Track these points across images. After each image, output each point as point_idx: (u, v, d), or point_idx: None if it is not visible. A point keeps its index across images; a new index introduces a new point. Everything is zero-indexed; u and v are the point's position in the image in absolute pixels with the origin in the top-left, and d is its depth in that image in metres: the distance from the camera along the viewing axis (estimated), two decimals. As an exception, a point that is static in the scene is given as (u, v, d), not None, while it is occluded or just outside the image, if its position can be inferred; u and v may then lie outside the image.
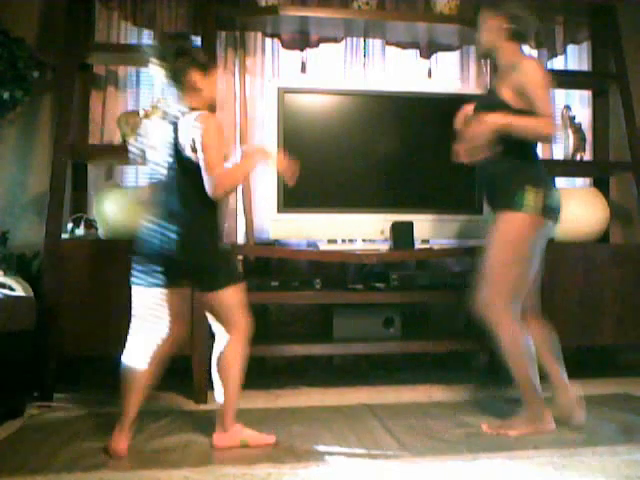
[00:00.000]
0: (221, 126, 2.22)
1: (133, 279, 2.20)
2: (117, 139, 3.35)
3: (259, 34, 3.59)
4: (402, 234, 3.25)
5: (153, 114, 3.00)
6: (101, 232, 3.14)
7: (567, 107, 3.66)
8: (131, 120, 3.20)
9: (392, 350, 3.31)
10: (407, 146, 3.39)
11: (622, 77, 3.57)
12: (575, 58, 3.95)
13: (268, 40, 3.63)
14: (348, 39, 3.68)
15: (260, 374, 3.38)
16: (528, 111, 2.38)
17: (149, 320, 2.19)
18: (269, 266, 3.55)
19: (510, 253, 2.40)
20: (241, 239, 3.53)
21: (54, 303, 2.90)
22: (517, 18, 2.48)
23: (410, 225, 3.27)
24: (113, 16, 3.49)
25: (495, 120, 2.39)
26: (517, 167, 2.46)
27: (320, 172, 3.24)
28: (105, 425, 2.39)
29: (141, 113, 3.23)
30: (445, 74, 3.80)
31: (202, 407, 2.85)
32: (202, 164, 2.11)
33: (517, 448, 2.25)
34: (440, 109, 3.21)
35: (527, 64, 2.42)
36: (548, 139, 2.50)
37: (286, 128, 3.22)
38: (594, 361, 3.69)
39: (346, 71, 3.69)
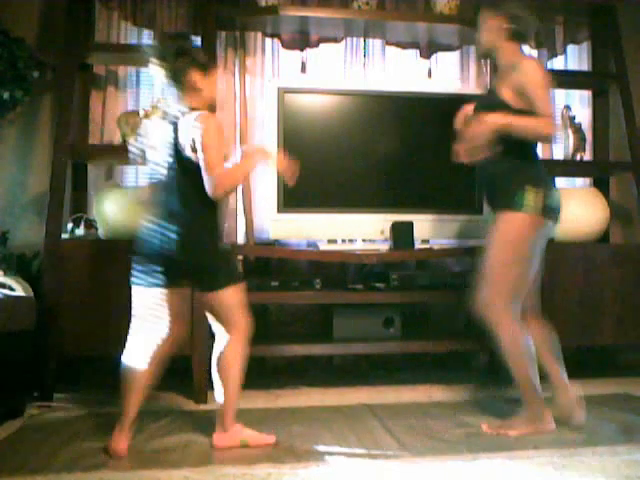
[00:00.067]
0: (221, 126, 2.22)
1: (133, 279, 2.20)
2: (117, 139, 3.35)
3: (259, 34, 3.59)
4: (402, 234, 3.25)
5: (153, 114, 3.00)
6: (101, 232, 3.14)
7: (567, 107, 3.66)
8: (131, 120, 3.20)
9: (392, 350, 3.31)
10: (407, 146, 3.39)
11: (622, 77, 3.57)
12: (575, 58, 3.95)
13: (268, 40, 3.63)
14: (348, 39, 3.68)
15: (260, 374, 3.38)
16: (528, 111, 2.38)
17: (149, 320, 2.19)
18: (269, 266, 3.55)
19: (510, 253, 2.40)
20: (241, 239, 3.53)
21: (54, 303, 2.90)
22: (517, 18, 2.48)
23: (410, 225, 3.27)
24: (113, 16, 3.49)
25: (495, 120, 2.39)
26: (517, 167, 2.46)
27: (320, 172, 3.24)
28: (105, 425, 2.39)
29: (141, 113, 3.23)
30: (445, 74, 3.80)
31: (202, 407, 2.85)
32: (202, 164, 2.11)
33: (517, 448, 2.25)
34: (440, 109, 3.21)
35: (527, 64, 2.42)
36: (548, 139, 2.50)
37: (286, 128, 3.22)
38: (594, 361, 3.69)
39: (346, 71, 3.69)
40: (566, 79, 3.62)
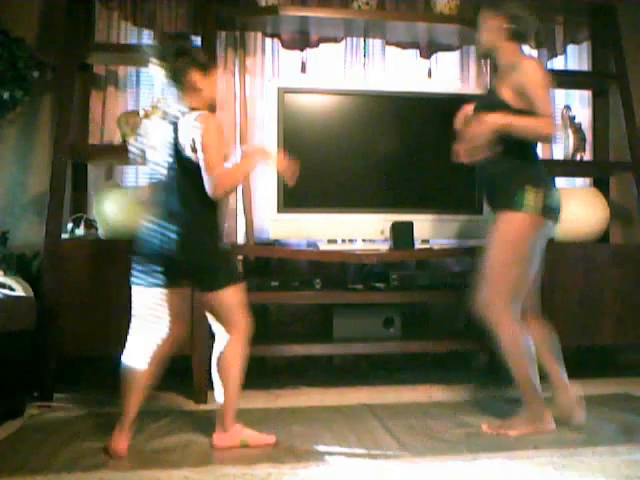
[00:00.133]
0: (221, 126, 2.22)
1: (133, 279, 2.20)
2: (117, 139, 3.35)
3: (259, 34, 3.59)
4: (402, 234, 3.25)
5: (153, 114, 3.00)
6: (101, 232, 3.14)
7: (567, 107, 3.66)
8: (131, 120, 3.20)
9: (392, 350, 3.31)
10: (407, 146, 3.39)
11: (622, 77, 3.57)
12: (575, 58, 3.95)
13: (268, 40, 3.63)
14: (348, 39, 3.68)
15: (260, 374, 3.38)
16: (528, 111, 2.37)
17: (149, 320, 2.19)
18: (269, 266, 3.55)
19: (510, 253, 2.40)
20: (241, 239, 3.53)
21: (54, 303, 2.90)
22: (517, 18, 2.48)
23: (410, 225, 3.27)
24: (113, 16, 3.49)
25: (495, 120, 2.39)
26: (517, 167, 2.46)
27: (320, 172, 3.24)
28: (105, 425, 2.39)
29: (141, 113, 3.23)
30: (445, 74, 3.80)
31: (202, 407, 2.85)
32: (202, 164, 2.11)
33: (517, 448, 2.25)
34: (440, 109, 3.21)
35: (527, 64, 2.42)
36: (548, 139, 2.50)
37: (286, 128, 3.22)
38: (594, 361, 3.69)
39: (346, 71, 3.69)
40: (566, 79, 3.62)
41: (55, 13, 3.46)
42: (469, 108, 2.64)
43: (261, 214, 3.49)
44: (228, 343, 2.25)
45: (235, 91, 3.57)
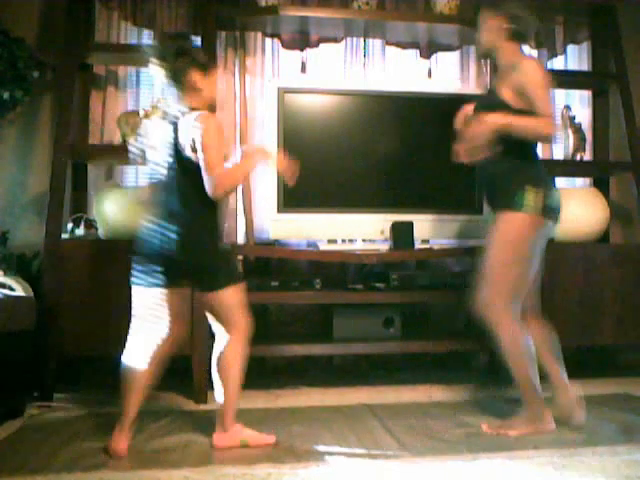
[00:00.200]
0: (221, 126, 2.22)
1: (133, 279, 2.20)
2: (117, 139, 3.35)
3: (259, 34, 3.59)
4: (402, 234, 3.25)
5: (153, 114, 3.00)
6: (101, 232, 3.14)
7: (567, 107, 3.66)
8: (131, 120, 3.20)
9: (392, 350, 3.31)
10: (407, 146, 3.39)
11: (622, 77, 3.57)
12: (575, 58, 3.95)
13: (268, 40, 3.63)
14: (348, 39, 3.68)
15: (260, 374, 3.38)
16: (528, 111, 2.37)
17: (149, 320, 2.19)
18: (269, 266, 3.55)
19: (510, 253, 2.40)
20: (241, 239, 3.53)
21: (54, 303, 2.90)
22: (517, 18, 2.48)
23: (410, 225, 3.27)
24: (113, 16, 3.49)
25: (495, 120, 2.39)
26: (517, 167, 2.46)
27: (320, 172, 3.24)
28: (105, 425, 2.39)
29: (141, 113, 3.23)
30: (445, 74, 3.80)
31: (202, 407, 2.85)
32: (202, 164, 2.11)
33: (517, 448, 2.25)
34: (440, 109, 3.21)
35: (527, 64, 2.42)
36: (548, 139, 2.50)
37: (286, 128, 3.22)
38: (594, 361, 3.69)
39: (346, 71, 3.69)
40: (566, 79, 3.62)
41: (55, 13, 3.46)
42: (469, 108, 2.64)
43: (261, 214, 3.49)
44: (228, 343, 2.25)
45: (235, 91, 3.57)
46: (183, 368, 2.90)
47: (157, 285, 2.17)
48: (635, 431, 2.43)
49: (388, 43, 3.73)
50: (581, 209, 3.38)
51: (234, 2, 3.46)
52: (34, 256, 3.26)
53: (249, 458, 2.14)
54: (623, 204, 3.86)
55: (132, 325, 2.23)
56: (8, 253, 3.23)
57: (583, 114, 3.83)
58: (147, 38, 3.56)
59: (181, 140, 2.13)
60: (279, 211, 3.22)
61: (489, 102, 2.52)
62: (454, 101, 2.86)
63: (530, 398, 2.44)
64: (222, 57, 3.54)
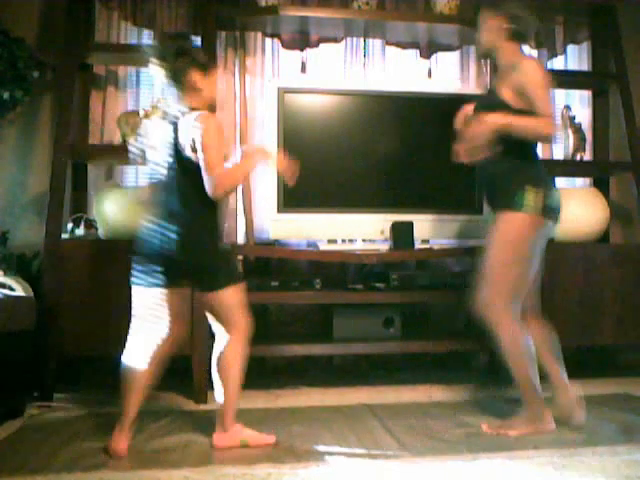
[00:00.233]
0: (221, 126, 2.22)
1: (133, 279, 2.20)
2: (117, 139, 3.35)
3: (259, 34, 3.59)
4: (402, 234, 3.25)
5: (153, 114, 3.00)
6: (101, 232, 3.14)
7: (567, 107, 3.66)
8: (131, 120, 3.20)
9: (392, 350, 3.31)
10: (407, 146, 3.39)
11: (622, 77, 3.57)
12: (575, 58, 3.95)
13: (268, 40, 3.63)
14: (348, 39, 3.68)
15: (260, 374, 3.38)
16: (528, 111, 2.37)
17: (149, 320, 2.19)
18: (269, 266, 3.55)
19: (510, 253, 2.40)
20: (241, 239, 3.53)
21: (54, 303, 2.90)
22: (517, 18, 2.48)
23: (410, 225, 3.27)
24: (113, 16, 3.49)
25: (495, 120, 2.38)
26: (517, 167, 2.46)
27: (320, 172, 3.24)
28: (105, 425, 2.39)
29: (141, 113, 3.23)
30: (445, 74, 3.80)
31: (202, 407, 2.85)
32: (202, 164, 2.11)
33: (517, 448, 2.25)
34: (440, 109, 3.21)
35: (527, 64, 2.42)
36: (548, 139, 2.50)
37: (286, 128, 3.22)
38: (594, 361, 3.69)
39: (346, 71, 3.69)
40: (566, 79, 3.62)
41: (55, 13, 3.46)
42: (469, 108, 2.64)
43: (261, 214, 3.49)
44: (228, 343, 2.25)
45: (235, 91, 3.57)
46: (183, 368, 2.90)
47: (157, 285, 2.17)
48: (635, 431, 2.43)
49: (388, 43, 3.73)
50: (581, 209, 3.38)
51: (234, 2, 3.46)
52: (34, 256, 3.26)
53: (249, 458, 2.14)
54: (623, 204, 3.86)
55: (132, 325, 2.23)
56: (8, 253, 3.23)
57: (583, 114, 3.83)
58: (147, 38, 3.56)
59: (181, 140, 2.13)
60: (279, 211, 3.22)
61: (489, 102, 2.52)
62: (454, 101, 2.86)
63: (530, 398, 2.44)
64: (222, 57, 3.54)
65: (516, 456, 2.16)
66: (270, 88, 3.29)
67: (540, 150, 2.97)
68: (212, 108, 2.65)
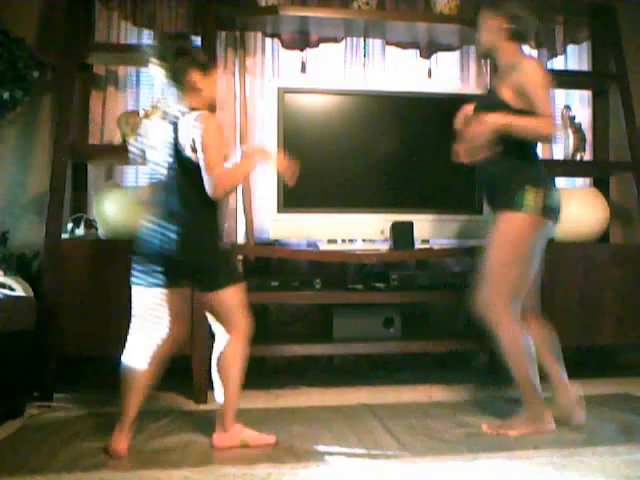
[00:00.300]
0: (221, 126, 2.22)
1: (133, 279, 2.20)
2: (117, 139, 3.35)
3: (259, 34, 3.59)
4: (402, 234, 3.25)
5: (153, 114, 3.00)
6: (101, 232, 3.14)
7: (567, 107, 3.66)
8: (131, 120, 3.20)
9: (392, 350, 3.31)
10: (407, 146, 3.39)
11: (622, 77, 3.57)
12: (575, 58, 3.95)
13: (268, 40, 3.63)
14: (348, 39, 3.68)
15: (260, 374, 3.38)
16: (528, 111, 2.37)
17: (149, 320, 2.19)
18: (269, 266, 3.55)
19: (510, 253, 2.40)
20: (241, 239, 3.53)
21: (54, 303, 2.90)
22: (517, 18, 2.48)
23: (410, 225, 3.27)
24: (113, 16, 3.49)
25: (495, 120, 2.39)
26: (517, 167, 2.46)
27: (320, 172, 3.24)
28: (105, 425, 2.39)
29: (141, 113, 3.23)
30: (445, 74, 3.80)
31: (202, 407, 2.85)
32: (202, 164, 2.11)
33: (517, 448, 2.25)
34: (440, 109, 3.21)
35: (527, 64, 2.42)
36: (548, 139, 2.50)
37: (286, 128, 3.22)
38: (594, 361, 3.69)
39: (346, 71, 3.69)
40: (566, 79, 3.62)
41: (55, 13, 3.46)
42: (469, 108, 2.64)
43: (261, 214, 3.49)
44: (228, 343, 2.25)
45: (235, 91, 3.57)
46: (183, 368, 2.90)
47: (157, 285, 2.17)
48: (635, 431, 2.43)
49: (388, 43, 3.73)
50: (581, 209, 3.38)
51: (234, 2, 3.46)
52: (34, 256, 3.26)
53: (249, 458, 2.14)
54: (623, 204, 3.86)
55: (132, 325, 2.23)
56: (8, 253, 3.23)
57: (583, 114, 3.83)
58: (147, 38, 3.56)
59: (181, 140, 2.13)
60: (279, 211, 3.22)
61: (489, 102, 2.52)
62: (454, 101, 2.86)
63: (530, 398, 2.44)
64: (222, 57, 3.54)
65: (516, 456, 2.16)
66: (270, 88, 3.29)
67: (540, 150, 2.96)
68: (212, 108, 2.65)
